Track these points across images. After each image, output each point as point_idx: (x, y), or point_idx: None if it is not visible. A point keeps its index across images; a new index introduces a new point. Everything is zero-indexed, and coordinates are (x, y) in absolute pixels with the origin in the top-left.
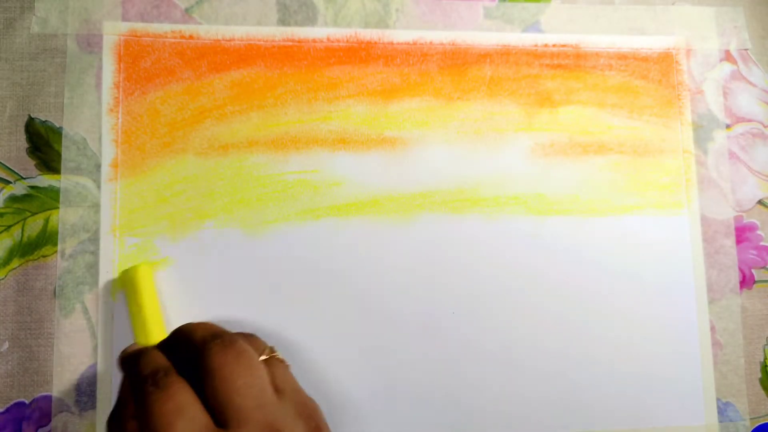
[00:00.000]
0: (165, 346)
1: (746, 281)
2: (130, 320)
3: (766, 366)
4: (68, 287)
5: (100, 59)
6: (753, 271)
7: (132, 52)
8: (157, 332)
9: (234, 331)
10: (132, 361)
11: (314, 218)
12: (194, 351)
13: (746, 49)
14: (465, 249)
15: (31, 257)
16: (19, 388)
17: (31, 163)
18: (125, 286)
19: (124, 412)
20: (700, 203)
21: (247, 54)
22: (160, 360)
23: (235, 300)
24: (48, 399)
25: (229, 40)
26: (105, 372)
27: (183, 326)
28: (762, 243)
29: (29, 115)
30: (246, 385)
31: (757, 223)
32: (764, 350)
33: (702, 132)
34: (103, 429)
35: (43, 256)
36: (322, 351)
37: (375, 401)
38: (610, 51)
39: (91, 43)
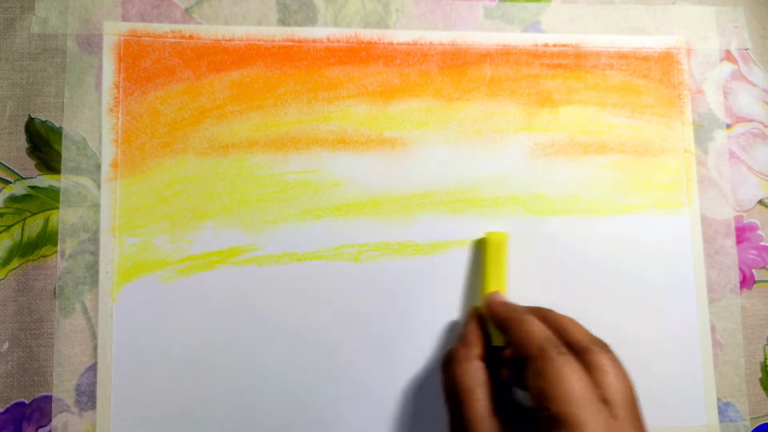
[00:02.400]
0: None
1: (746, 281)
2: (484, 273)
3: (766, 366)
4: (68, 287)
5: (100, 59)
6: (753, 271)
7: (132, 52)
8: (502, 289)
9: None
10: (511, 315)
11: (314, 218)
12: (576, 344)
13: (747, 49)
14: (465, 249)
15: (31, 257)
16: (19, 388)
17: (31, 163)
18: (489, 244)
19: (473, 347)
20: (700, 203)
21: (247, 54)
22: (550, 334)
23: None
24: (48, 399)
25: (229, 40)
26: (105, 372)
27: (554, 314)
28: (762, 243)
29: (29, 115)
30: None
31: (758, 223)
32: (764, 350)
33: (702, 132)
34: (103, 429)
35: (43, 256)
36: (319, 352)
37: (374, 400)
38: (611, 51)
39: (91, 43)
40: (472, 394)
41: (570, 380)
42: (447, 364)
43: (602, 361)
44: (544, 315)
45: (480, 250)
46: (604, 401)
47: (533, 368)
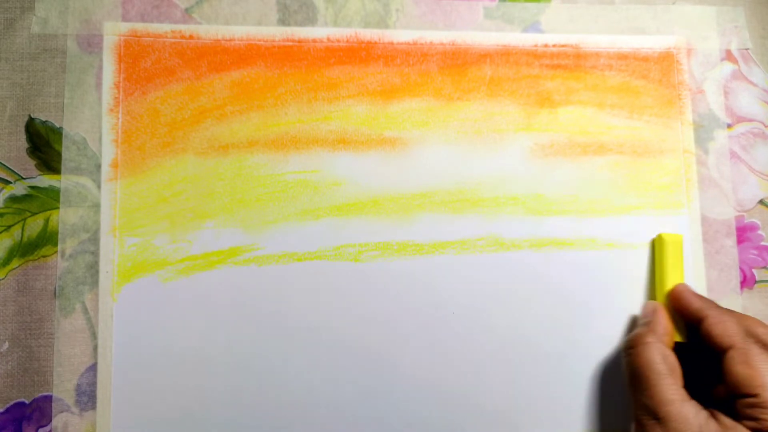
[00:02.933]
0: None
1: (747, 281)
2: (664, 272)
3: None
4: (68, 287)
5: (101, 59)
6: (754, 271)
7: (132, 52)
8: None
9: None
10: (706, 306)
11: (314, 218)
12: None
13: (747, 49)
14: (464, 249)
15: (31, 257)
16: (19, 388)
17: (31, 163)
18: (666, 243)
19: (664, 336)
20: (700, 203)
21: (247, 54)
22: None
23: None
24: (48, 399)
25: (229, 40)
26: (105, 372)
27: (745, 316)
28: (763, 243)
29: (29, 116)
30: None
31: (758, 222)
32: None
33: (703, 132)
34: (103, 429)
35: (43, 256)
36: (320, 352)
37: (374, 399)
38: (610, 51)
39: (91, 44)
40: (665, 377)
41: None
42: (635, 347)
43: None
44: (730, 311)
45: (653, 250)
46: None
47: (739, 357)
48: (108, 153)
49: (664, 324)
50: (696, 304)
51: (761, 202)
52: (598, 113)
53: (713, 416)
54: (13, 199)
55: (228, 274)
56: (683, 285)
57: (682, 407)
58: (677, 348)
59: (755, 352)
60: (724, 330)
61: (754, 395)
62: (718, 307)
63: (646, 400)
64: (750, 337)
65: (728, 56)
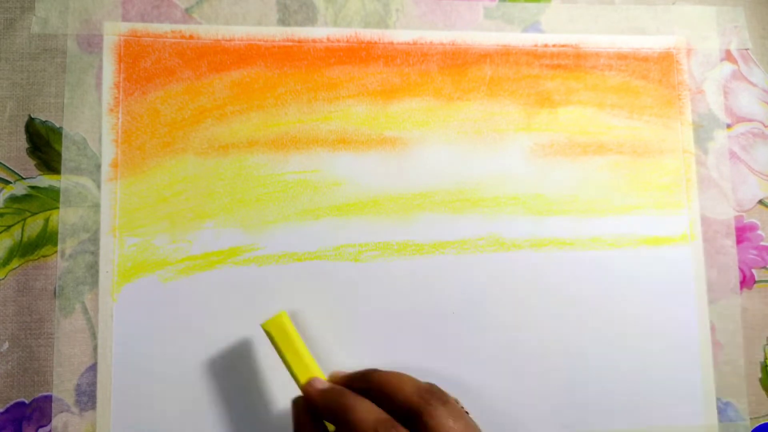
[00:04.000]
0: (358, 392)
1: (746, 281)
2: (287, 365)
3: (766, 366)
4: (68, 287)
5: (101, 59)
6: (753, 271)
7: (132, 52)
8: (314, 369)
9: None
10: (332, 404)
11: (314, 218)
12: (408, 407)
13: (747, 49)
14: (464, 249)
15: (31, 257)
16: (19, 388)
17: (31, 163)
18: (273, 334)
19: None
20: (700, 203)
21: (247, 54)
22: (379, 412)
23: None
24: (48, 399)
25: (229, 40)
26: (105, 372)
27: (378, 376)
28: (762, 243)
29: (29, 115)
30: None
31: (758, 223)
32: (764, 350)
33: (702, 132)
34: (103, 429)
35: (43, 256)
36: (319, 348)
37: None
38: (610, 51)
39: (91, 44)
40: None
41: None
42: None
43: (439, 424)
44: (368, 382)
45: (269, 341)
46: None
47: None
48: (108, 153)
49: (310, 429)
50: (322, 406)
51: (761, 202)
52: (598, 113)
53: None
54: (13, 199)
55: (228, 274)
56: (308, 385)
57: None
58: None
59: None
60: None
61: None
62: (348, 397)
63: None
64: (384, 426)
65: (728, 56)
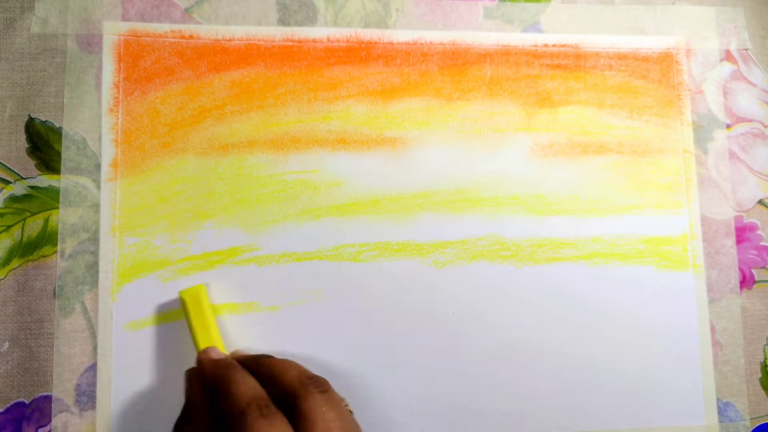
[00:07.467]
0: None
1: (746, 281)
2: (192, 334)
3: (766, 366)
4: (68, 287)
5: (100, 59)
6: (753, 271)
7: (132, 52)
8: (218, 344)
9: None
10: (219, 374)
11: (314, 218)
12: (287, 390)
13: (746, 49)
14: (464, 249)
15: (31, 257)
16: (19, 388)
17: (31, 163)
18: (187, 302)
19: (199, 420)
20: (700, 203)
21: (247, 54)
22: (258, 389)
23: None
24: (48, 399)
25: (229, 40)
26: (105, 372)
27: (269, 360)
28: (762, 243)
29: (29, 115)
30: None
31: (758, 223)
32: (764, 350)
33: (702, 132)
34: (103, 429)
35: (43, 256)
36: (319, 348)
37: (374, 398)
38: (610, 51)
39: (91, 43)
40: None
41: None
42: None
43: (311, 407)
44: (258, 364)
45: (183, 309)
46: None
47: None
48: (108, 153)
49: (201, 399)
50: (209, 375)
51: (760, 202)
52: (598, 113)
53: None
54: (13, 199)
55: (228, 274)
56: (203, 352)
57: None
58: None
59: (247, 426)
60: (225, 403)
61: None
62: (235, 370)
63: None
64: (257, 403)
65: (728, 56)
